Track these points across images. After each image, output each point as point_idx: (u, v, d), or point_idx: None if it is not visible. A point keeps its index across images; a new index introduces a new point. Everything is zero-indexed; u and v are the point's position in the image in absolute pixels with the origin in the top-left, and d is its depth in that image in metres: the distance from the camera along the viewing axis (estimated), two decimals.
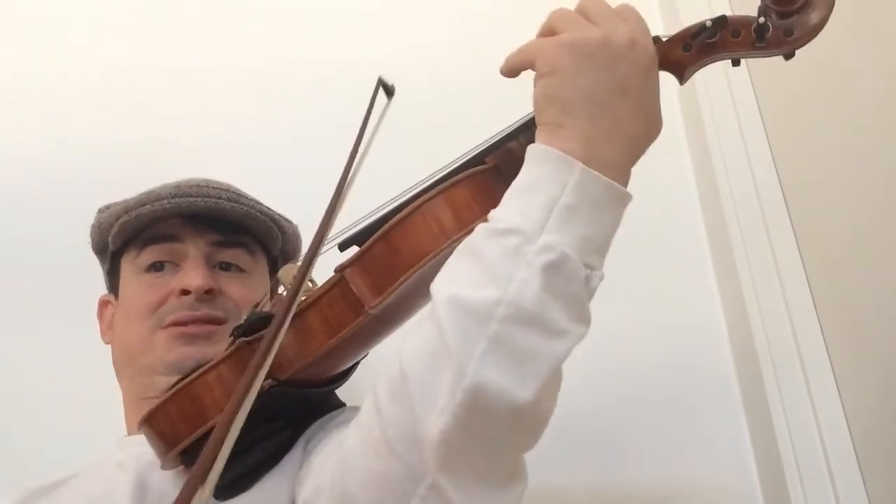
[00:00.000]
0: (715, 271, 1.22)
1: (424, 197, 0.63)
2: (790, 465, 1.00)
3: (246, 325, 0.71)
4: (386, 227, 0.63)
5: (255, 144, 1.29)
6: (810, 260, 1.09)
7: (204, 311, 0.84)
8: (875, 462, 0.95)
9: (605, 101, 0.58)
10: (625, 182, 0.58)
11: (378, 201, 0.69)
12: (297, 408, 0.73)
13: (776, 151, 1.18)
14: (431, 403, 0.53)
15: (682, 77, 0.65)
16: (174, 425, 0.69)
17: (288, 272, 0.75)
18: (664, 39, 0.65)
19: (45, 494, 0.78)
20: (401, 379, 0.55)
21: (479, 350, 0.52)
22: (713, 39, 0.63)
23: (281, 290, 0.78)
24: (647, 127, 0.61)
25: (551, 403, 0.56)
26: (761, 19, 0.61)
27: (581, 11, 0.61)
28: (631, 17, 0.61)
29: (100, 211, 0.93)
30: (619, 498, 1.10)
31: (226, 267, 0.89)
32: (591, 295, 0.56)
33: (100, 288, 0.96)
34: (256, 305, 0.80)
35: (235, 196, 0.89)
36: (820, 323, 1.05)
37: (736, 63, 0.65)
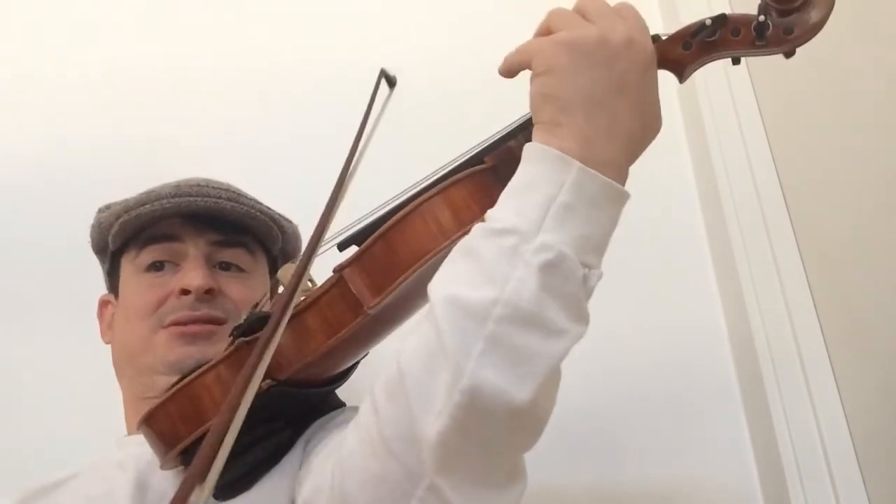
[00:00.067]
0: (715, 271, 1.22)
1: (423, 197, 0.62)
2: (790, 465, 1.00)
3: (245, 325, 0.71)
4: (385, 226, 0.63)
5: (255, 144, 1.29)
6: (810, 260, 1.09)
7: (204, 311, 0.84)
8: (875, 462, 0.95)
9: (603, 99, 0.57)
10: (622, 181, 0.58)
11: (377, 201, 0.69)
12: (297, 408, 0.73)
13: (776, 151, 1.18)
14: (429, 404, 0.53)
15: (681, 76, 0.65)
16: (174, 425, 0.69)
17: (287, 272, 0.75)
18: (664, 38, 0.64)
19: (45, 494, 0.78)
20: (398, 379, 0.55)
21: (477, 350, 0.51)
22: (713, 38, 0.63)
23: (281, 289, 0.78)
24: (646, 125, 0.60)
25: (550, 403, 0.56)
26: (761, 17, 0.61)
27: (579, 10, 0.61)
28: (629, 15, 0.61)
29: (100, 211, 0.93)
30: (619, 498, 1.10)
31: (226, 267, 0.89)
32: (589, 294, 0.56)
33: (100, 288, 0.96)
34: (256, 305, 0.80)
35: (235, 196, 0.89)
36: (820, 323, 1.05)
37: (736, 61, 0.65)
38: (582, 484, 1.10)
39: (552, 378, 0.54)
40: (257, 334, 0.70)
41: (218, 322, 0.85)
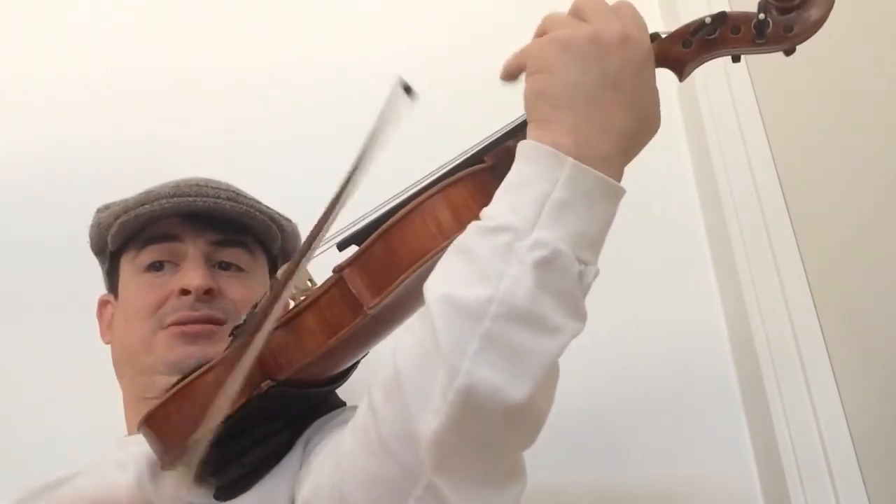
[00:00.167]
0: (715, 271, 1.22)
1: (423, 196, 0.62)
2: (790, 465, 1.00)
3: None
4: (384, 226, 0.63)
5: (255, 144, 1.29)
6: (810, 260, 1.08)
7: (204, 311, 0.84)
8: (875, 462, 0.95)
9: (596, 95, 0.57)
10: (618, 176, 0.58)
11: (377, 200, 0.69)
12: (297, 408, 0.73)
13: (776, 151, 1.17)
14: (425, 403, 0.52)
15: (681, 74, 0.65)
16: (174, 426, 0.69)
17: (287, 271, 0.75)
18: (663, 36, 0.64)
19: (46, 494, 0.78)
20: (395, 379, 0.55)
21: (472, 349, 0.51)
22: (713, 36, 0.63)
23: None
24: (641, 122, 0.60)
25: (547, 402, 0.56)
26: (761, 15, 0.61)
27: (575, 11, 0.61)
28: (627, 13, 0.61)
29: (99, 211, 0.93)
30: (619, 498, 1.10)
31: (225, 266, 0.90)
32: (585, 290, 0.56)
33: (100, 288, 0.97)
34: (256, 305, 0.80)
35: (234, 195, 0.89)
36: (820, 323, 1.05)
37: (736, 59, 0.65)
38: (582, 484, 1.10)
39: (549, 376, 0.54)
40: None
41: (218, 322, 0.85)
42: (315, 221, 0.67)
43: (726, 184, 1.18)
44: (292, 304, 0.71)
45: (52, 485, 0.79)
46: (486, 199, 0.58)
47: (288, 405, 0.71)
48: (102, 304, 0.95)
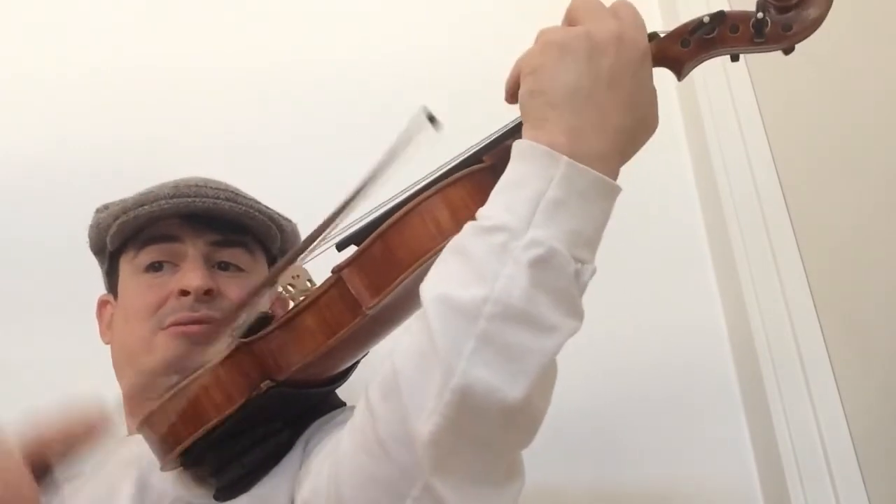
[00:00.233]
0: (715, 271, 1.22)
1: (421, 196, 0.62)
2: (790, 465, 1.00)
3: (245, 326, 0.71)
4: (383, 226, 0.63)
5: (255, 144, 1.29)
6: (810, 260, 1.08)
7: (203, 312, 0.84)
8: (875, 462, 0.94)
9: (591, 93, 0.57)
10: (614, 175, 0.58)
11: (376, 200, 0.69)
12: (297, 408, 0.73)
13: (776, 150, 1.17)
14: (422, 404, 0.52)
15: (680, 73, 0.65)
16: (173, 426, 0.69)
17: (287, 272, 0.75)
18: (662, 35, 0.64)
19: (47, 493, 0.78)
20: (392, 379, 0.55)
21: (468, 349, 0.51)
22: (711, 35, 0.63)
23: (280, 290, 0.78)
24: (638, 121, 0.60)
25: (545, 401, 0.56)
26: (760, 14, 0.61)
27: (569, 13, 0.61)
28: (625, 12, 0.61)
29: (98, 211, 0.93)
30: (619, 498, 1.10)
31: (225, 267, 0.89)
32: (582, 289, 0.55)
33: (99, 288, 0.97)
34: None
35: (234, 195, 0.89)
36: (820, 323, 1.05)
37: (735, 58, 0.65)
38: (582, 484, 1.10)
39: (546, 375, 0.54)
40: (257, 335, 0.70)
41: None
42: (315, 221, 0.67)
43: (726, 183, 1.18)
44: (292, 304, 0.71)
45: (51, 485, 0.79)
46: (484, 199, 0.58)
47: (288, 405, 0.71)
48: (102, 304, 0.95)
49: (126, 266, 0.90)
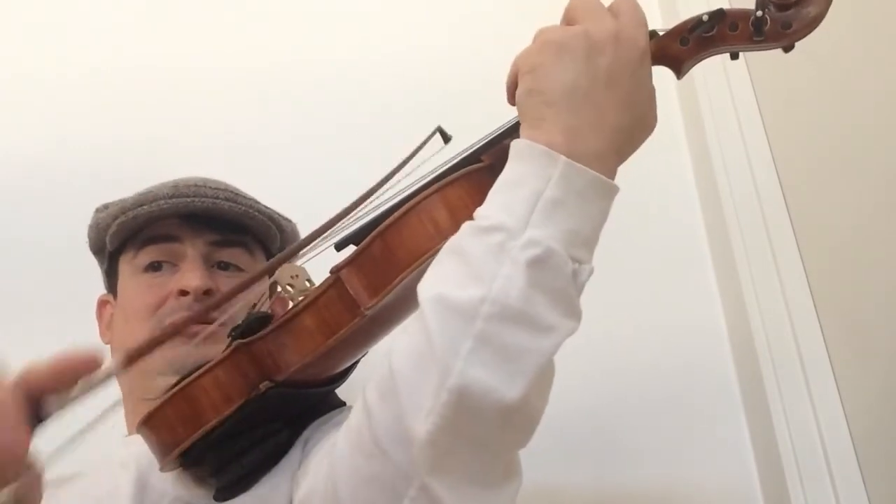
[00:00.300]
0: (715, 271, 1.22)
1: (420, 196, 0.62)
2: (790, 465, 1.00)
3: (244, 326, 0.71)
4: (381, 226, 0.63)
5: (255, 144, 1.29)
6: (810, 260, 1.08)
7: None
8: (875, 462, 0.94)
9: (588, 92, 0.57)
10: (611, 174, 0.58)
11: (375, 200, 0.69)
12: (296, 408, 0.73)
13: (776, 150, 1.17)
14: (419, 404, 0.52)
15: (679, 72, 0.65)
16: (172, 427, 0.69)
17: (286, 272, 0.75)
18: (661, 34, 0.64)
19: (47, 493, 0.78)
20: (389, 379, 0.55)
21: (465, 349, 0.51)
22: (711, 33, 0.63)
23: (280, 290, 0.78)
24: (636, 120, 0.60)
25: (542, 401, 0.55)
26: (759, 12, 0.61)
27: (567, 13, 0.61)
28: (624, 11, 0.61)
29: (97, 211, 0.93)
30: (618, 498, 1.10)
31: (224, 266, 0.89)
32: (580, 289, 0.55)
33: (99, 288, 0.97)
34: (254, 306, 0.80)
35: (233, 195, 0.89)
36: (820, 323, 1.05)
37: (734, 57, 0.65)
38: (581, 484, 1.09)
39: (543, 375, 0.53)
40: (256, 335, 0.70)
41: None
42: (314, 221, 0.67)
43: (726, 183, 1.18)
44: (291, 304, 0.71)
45: (51, 484, 0.78)
46: (482, 199, 0.58)
47: (287, 406, 0.71)
48: (102, 304, 0.95)
49: (125, 266, 0.90)
